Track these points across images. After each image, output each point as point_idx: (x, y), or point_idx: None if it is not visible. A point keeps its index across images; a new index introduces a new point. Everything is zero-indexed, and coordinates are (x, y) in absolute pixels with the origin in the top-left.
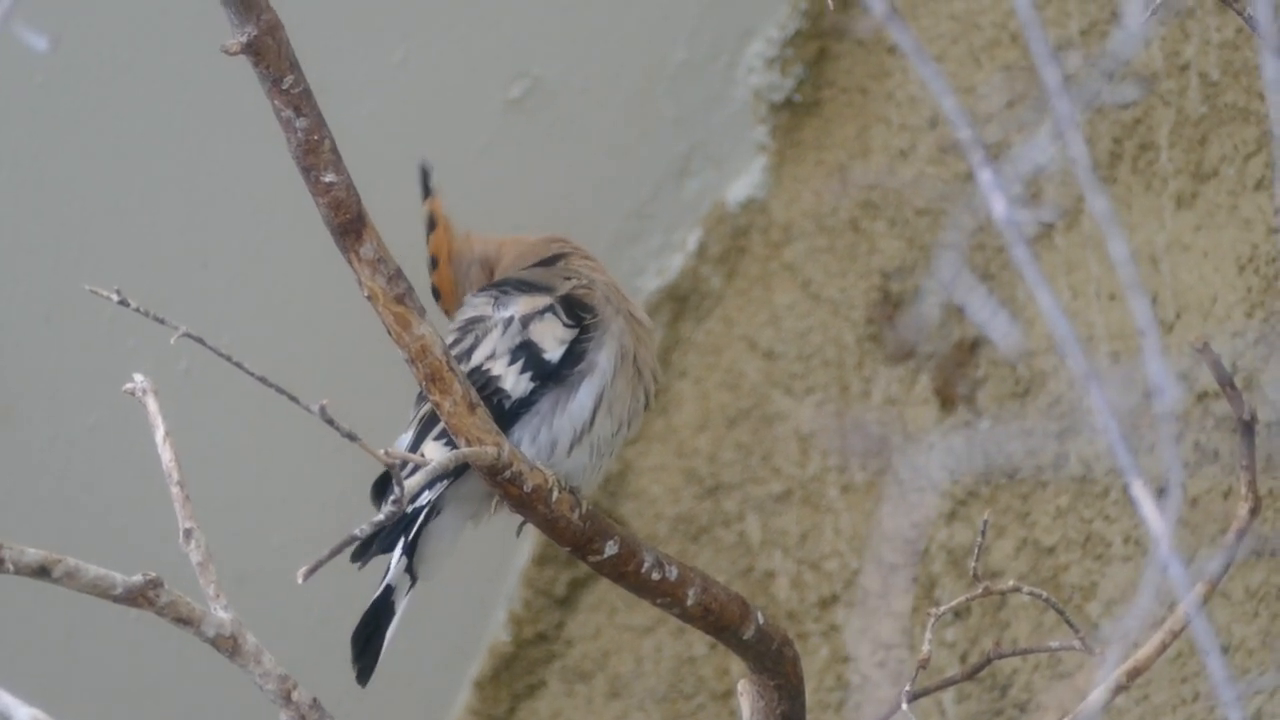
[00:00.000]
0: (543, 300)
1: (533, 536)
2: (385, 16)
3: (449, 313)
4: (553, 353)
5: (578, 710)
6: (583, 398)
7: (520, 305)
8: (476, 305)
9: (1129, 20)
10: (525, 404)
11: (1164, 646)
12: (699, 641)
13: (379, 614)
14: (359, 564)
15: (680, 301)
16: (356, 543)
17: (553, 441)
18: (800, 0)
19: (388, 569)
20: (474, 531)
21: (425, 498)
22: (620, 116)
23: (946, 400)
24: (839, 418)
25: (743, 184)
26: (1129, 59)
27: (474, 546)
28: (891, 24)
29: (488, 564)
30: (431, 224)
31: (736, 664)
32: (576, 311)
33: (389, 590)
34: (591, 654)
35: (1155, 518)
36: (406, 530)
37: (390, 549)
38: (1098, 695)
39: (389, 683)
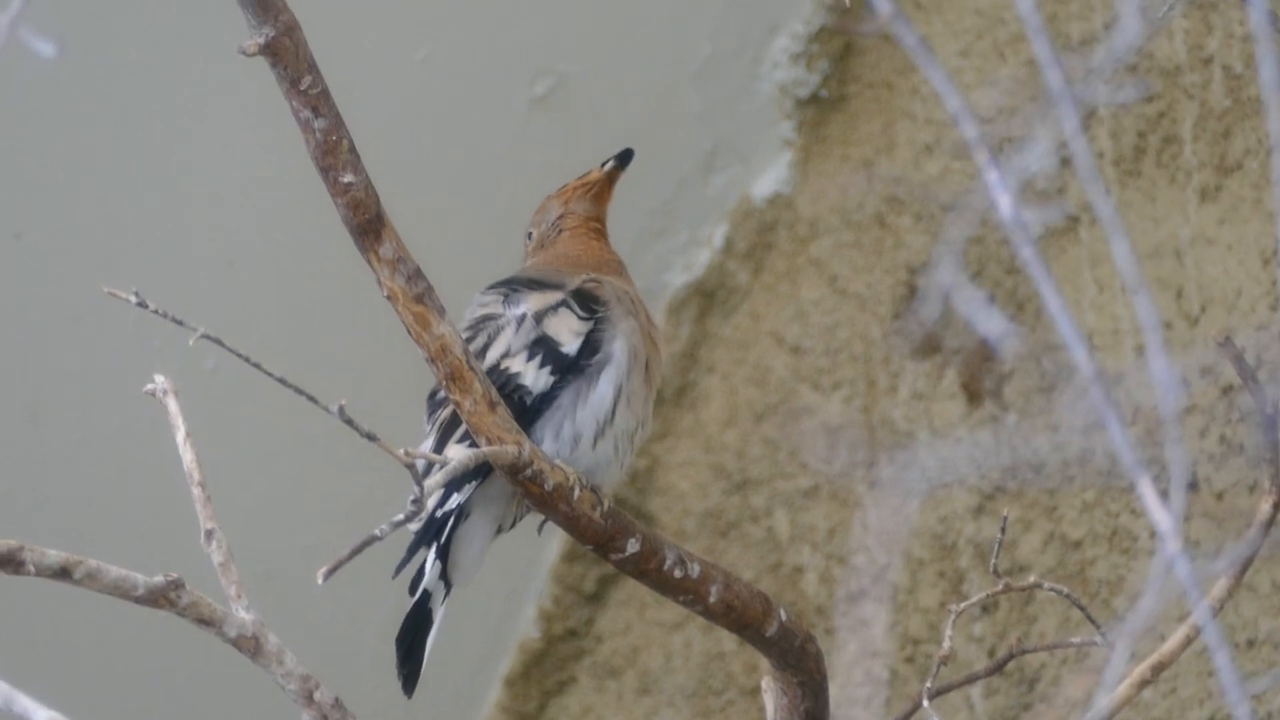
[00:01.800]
0: (554, 296)
1: (561, 533)
2: (408, 14)
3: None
4: (570, 345)
5: (608, 706)
6: (603, 388)
7: (532, 302)
8: (486, 304)
9: (1126, 21)
10: (547, 399)
11: (1188, 641)
12: (728, 638)
13: (418, 621)
14: (395, 575)
15: (707, 297)
16: (376, 542)
17: (576, 435)
18: None
19: (422, 574)
20: (502, 532)
21: (454, 501)
22: (645, 113)
23: (973, 395)
24: (865, 413)
25: (768, 179)
26: (1151, 52)
27: (503, 543)
28: (897, 23)
29: (517, 560)
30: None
31: (765, 660)
32: (588, 304)
33: (426, 596)
34: (621, 650)
35: (1161, 515)
36: (439, 534)
37: (423, 558)
38: (1119, 691)
39: (419, 681)
